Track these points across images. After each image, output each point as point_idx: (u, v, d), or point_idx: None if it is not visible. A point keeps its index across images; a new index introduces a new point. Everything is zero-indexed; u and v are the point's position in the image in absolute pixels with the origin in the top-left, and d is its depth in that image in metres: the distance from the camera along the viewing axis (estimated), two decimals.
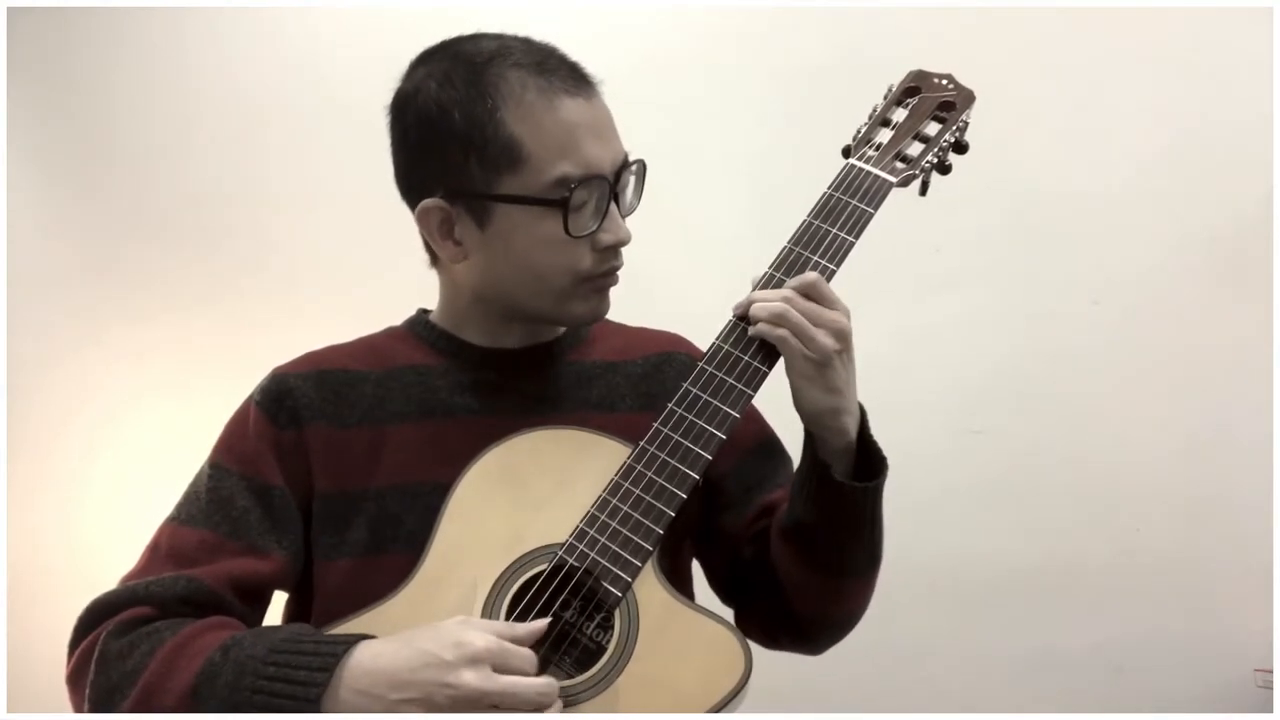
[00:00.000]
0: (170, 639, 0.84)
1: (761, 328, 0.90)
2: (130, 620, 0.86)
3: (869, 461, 0.94)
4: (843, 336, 0.89)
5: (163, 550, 0.93)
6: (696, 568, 1.09)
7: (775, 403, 0.99)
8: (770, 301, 0.90)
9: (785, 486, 1.05)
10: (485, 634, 0.78)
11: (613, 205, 0.94)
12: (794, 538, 0.95)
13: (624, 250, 1.00)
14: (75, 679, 0.87)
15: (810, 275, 0.91)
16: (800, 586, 0.97)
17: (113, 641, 0.85)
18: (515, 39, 0.96)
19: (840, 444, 0.92)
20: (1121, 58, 1.93)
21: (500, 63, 0.92)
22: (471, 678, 0.75)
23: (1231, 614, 1.91)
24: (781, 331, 0.89)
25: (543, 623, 0.82)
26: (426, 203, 0.95)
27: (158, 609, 0.88)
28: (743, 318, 0.93)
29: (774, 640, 1.04)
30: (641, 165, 0.99)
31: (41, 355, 2.22)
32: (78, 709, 0.87)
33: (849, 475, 0.93)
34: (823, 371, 0.88)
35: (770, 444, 1.09)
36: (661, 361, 1.08)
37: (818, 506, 0.93)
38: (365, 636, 0.81)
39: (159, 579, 0.89)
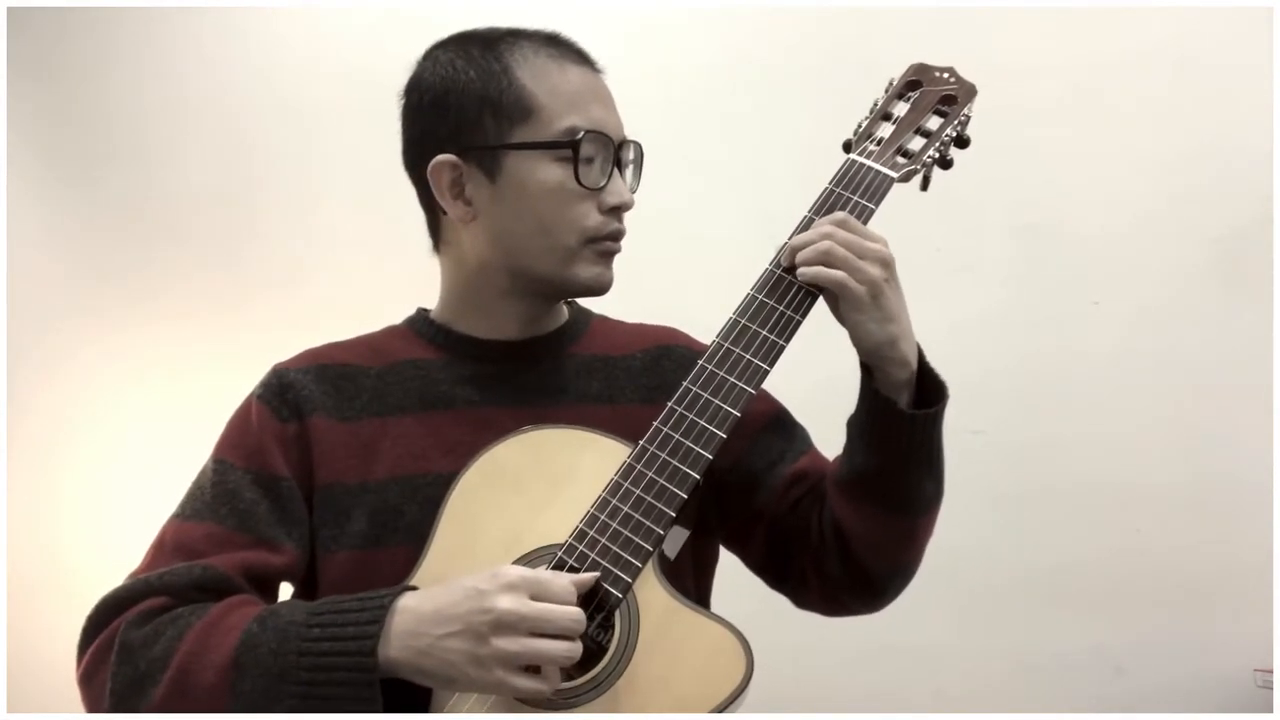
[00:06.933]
0: (199, 620, 0.84)
1: (817, 270, 0.89)
2: (148, 610, 0.86)
3: (925, 390, 0.94)
4: (887, 264, 0.90)
5: (169, 546, 0.92)
6: (698, 568, 1.08)
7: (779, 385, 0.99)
8: (813, 243, 0.90)
9: (808, 452, 1.06)
10: (521, 568, 0.82)
11: (616, 170, 0.98)
12: (861, 487, 0.94)
13: (623, 251, 1.00)
14: (90, 676, 0.86)
15: (840, 214, 0.92)
16: (873, 536, 0.96)
17: (133, 631, 0.84)
18: (526, 28, 1.02)
19: (903, 375, 0.91)
20: (1123, 57, 1.93)
21: (513, 37, 0.99)
22: (507, 601, 0.78)
23: (1231, 614, 1.90)
24: (835, 273, 0.88)
25: (591, 576, 0.84)
26: (439, 158, 0.97)
27: (174, 598, 0.87)
28: (789, 269, 0.93)
29: (838, 604, 1.03)
30: (639, 149, 1.03)
31: (42, 356, 2.21)
32: (92, 707, 0.85)
33: (911, 407, 0.92)
34: (877, 302, 0.88)
35: (782, 416, 1.09)
36: (660, 355, 1.08)
37: (886, 447, 0.92)
38: (407, 588, 0.84)
39: (171, 569, 0.89)
